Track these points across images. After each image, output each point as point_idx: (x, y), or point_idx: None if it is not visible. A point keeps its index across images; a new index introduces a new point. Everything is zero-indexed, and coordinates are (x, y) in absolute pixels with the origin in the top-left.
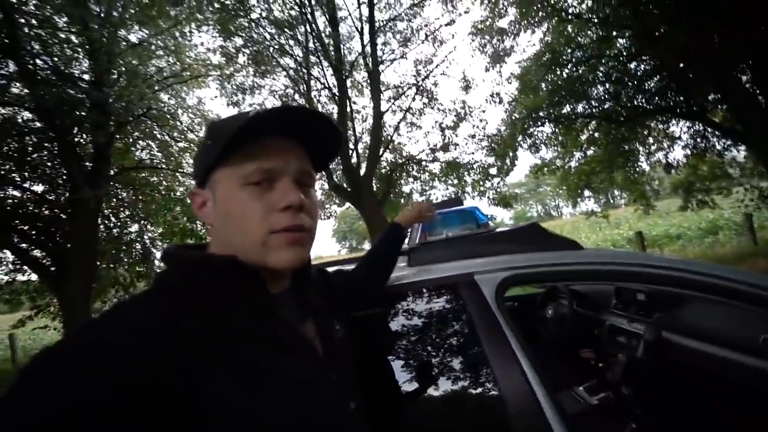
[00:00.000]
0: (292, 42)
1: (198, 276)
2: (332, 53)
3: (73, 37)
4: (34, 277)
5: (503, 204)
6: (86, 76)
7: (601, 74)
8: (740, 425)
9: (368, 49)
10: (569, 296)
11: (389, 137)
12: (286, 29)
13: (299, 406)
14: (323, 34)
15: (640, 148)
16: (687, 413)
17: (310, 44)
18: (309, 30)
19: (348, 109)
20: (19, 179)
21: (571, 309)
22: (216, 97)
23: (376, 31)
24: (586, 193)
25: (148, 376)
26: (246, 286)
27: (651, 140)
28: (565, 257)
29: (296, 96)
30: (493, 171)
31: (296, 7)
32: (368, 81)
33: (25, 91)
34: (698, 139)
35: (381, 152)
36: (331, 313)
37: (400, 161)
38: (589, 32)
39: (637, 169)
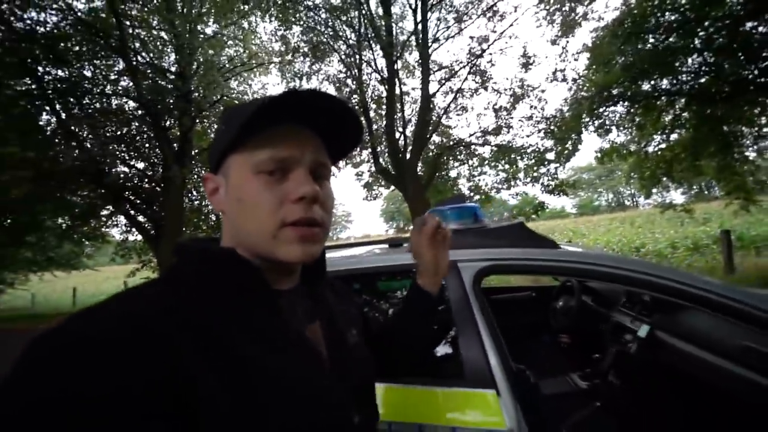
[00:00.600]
0: (345, 27)
1: (200, 270)
2: (384, 36)
3: (163, 34)
4: (140, 237)
5: (559, 191)
6: (173, 69)
7: (699, 41)
8: (708, 424)
9: (420, 28)
10: (578, 291)
11: (437, 120)
12: (338, 13)
13: (292, 413)
14: (375, 17)
15: (746, 130)
16: (662, 408)
17: (362, 29)
18: (361, 14)
19: (397, 92)
20: (127, 158)
21: (578, 303)
22: (278, 83)
23: (428, 9)
24: (669, 182)
25: (145, 377)
26: (246, 280)
27: (765, 120)
28: (538, 254)
29: (348, 81)
30: (550, 156)
31: None
32: (419, 62)
33: (130, 84)
34: None
35: (429, 136)
36: (347, 318)
37: (448, 145)
38: None
39: (737, 156)
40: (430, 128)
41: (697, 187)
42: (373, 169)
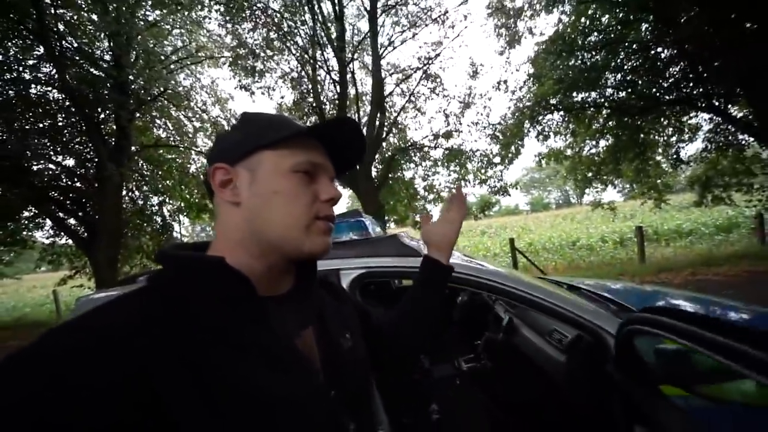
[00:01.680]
0: (299, 25)
1: (183, 279)
2: (335, 42)
3: (95, 16)
4: (70, 241)
5: (503, 192)
6: (107, 57)
7: (618, 61)
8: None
9: (370, 32)
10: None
11: (392, 121)
12: (290, 14)
13: (276, 428)
14: (327, 20)
15: (659, 139)
16: (514, 384)
17: (315, 30)
18: (314, 17)
19: (353, 93)
20: (53, 154)
21: (470, 297)
22: (229, 78)
23: (382, 13)
24: (598, 183)
25: (103, 386)
26: (232, 290)
27: (670, 131)
28: (404, 261)
29: (304, 79)
30: (496, 159)
31: None
32: (372, 62)
33: (54, 71)
34: (719, 133)
35: (383, 137)
36: (341, 318)
37: (401, 147)
38: (609, 15)
39: (650, 161)
40: (385, 129)
41: (629, 186)
42: None
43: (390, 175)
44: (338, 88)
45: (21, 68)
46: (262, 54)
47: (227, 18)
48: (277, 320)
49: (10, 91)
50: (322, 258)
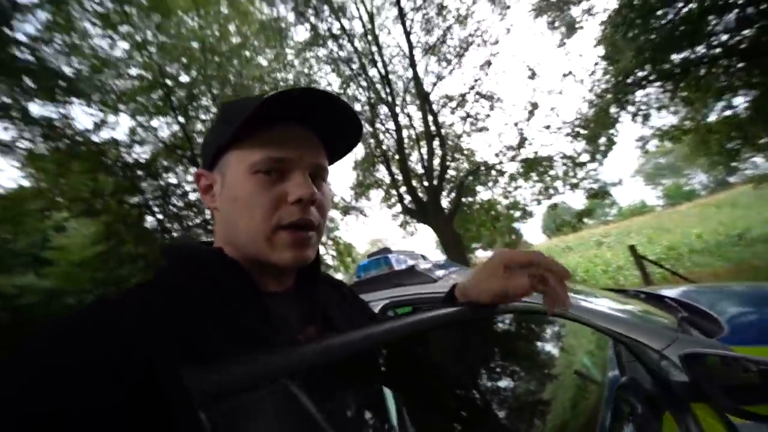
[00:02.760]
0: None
1: (183, 271)
2: (386, 96)
3: None
4: None
5: (602, 195)
6: None
7: None
8: None
9: (415, 73)
10: None
11: (453, 147)
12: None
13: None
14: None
15: None
16: None
17: (370, 93)
18: (368, 82)
19: (414, 134)
20: None
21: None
22: None
23: (415, 64)
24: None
25: (97, 367)
26: (232, 282)
27: None
28: (423, 288)
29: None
30: (584, 158)
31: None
32: (420, 103)
33: None
34: None
35: (445, 166)
36: (347, 322)
37: (468, 170)
38: None
39: None
40: (448, 158)
41: None
42: (398, 208)
43: (463, 201)
44: (395, 134)
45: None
46: None
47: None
48: (278, 315)
49: (180, 202)
50: (298, 267)
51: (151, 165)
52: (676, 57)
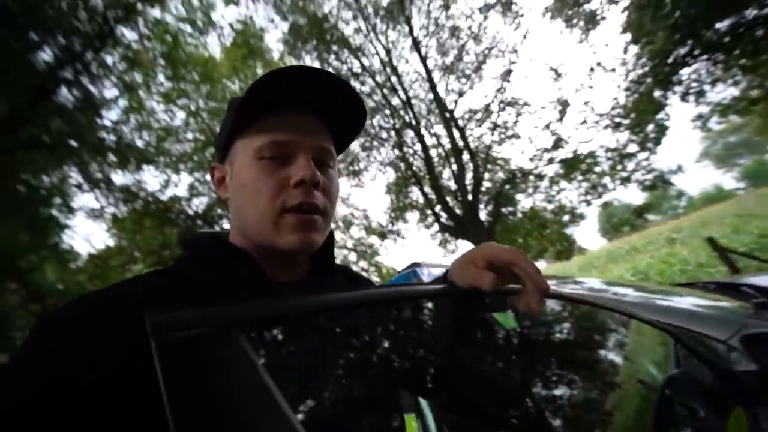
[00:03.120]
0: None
1: (193, 257)
2: (412, 121)
3: None
4: None
5: (660, 184)
6: None
7: None
8: None
9: (435, 94)
10: None
11: (484, 158)
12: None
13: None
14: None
15: None
16: None
17: (395, 120)
18: (392, 111)
19: (441, 154)
20: None
21: None
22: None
23: (435, 85)
24: None
25: (100, 344)
26: (239, 270)
27: None
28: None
29: (397, 160)
30: (631, 148)
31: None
32: (444, 121)
33: None
34: None
35: (479, 179)
36: None
37: (507, 178)
38: None
39: None
40: (481, 170)
41: None
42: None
43: (504, 211)
44: (423, 155)
45: None
46: (363, 155)
47: None
48: None
49: None
50: (304, 253)
51: (207, 214)
52: (720, 26)
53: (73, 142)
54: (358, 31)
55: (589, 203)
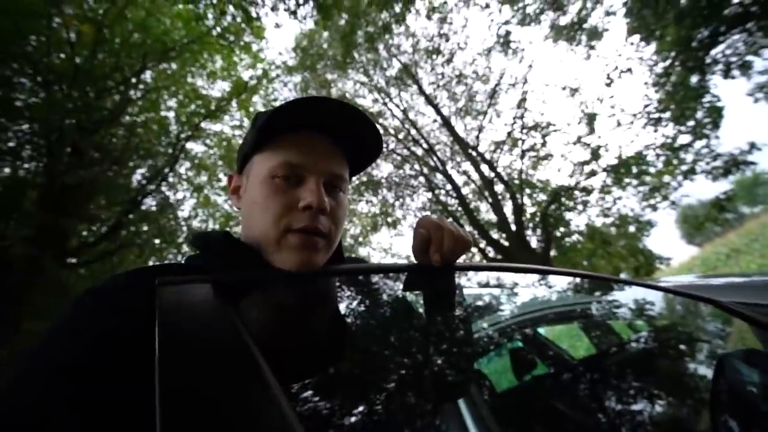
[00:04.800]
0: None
1: (203, 256)
2: (438, 165)
3: None
4: None
5: (735, 168)
6: None
7: None
8: None
9: (455, 135)
10: None
11: (518, 185)
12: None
13: None
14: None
15: None
16: None
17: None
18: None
19: (474, 189)
20: None
21: None
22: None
23: (453, 128)
24: None
25: (97, 332)
26: (249, 265)
27: None
28: None
29: (433, 205)
30: (683, 140)
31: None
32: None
33: None
34: None
35: (518, 205)
36: None
37: (551, 199)
38: None
39: None
40: (518, 197)
41: None
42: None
43: (557, 234)
44: (456, 193)
45: None
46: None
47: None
48: None
49: None
50: (303, 273)
51: None
52: None
53: (157, 241)
54: (375, 101)
55: (654, 208)
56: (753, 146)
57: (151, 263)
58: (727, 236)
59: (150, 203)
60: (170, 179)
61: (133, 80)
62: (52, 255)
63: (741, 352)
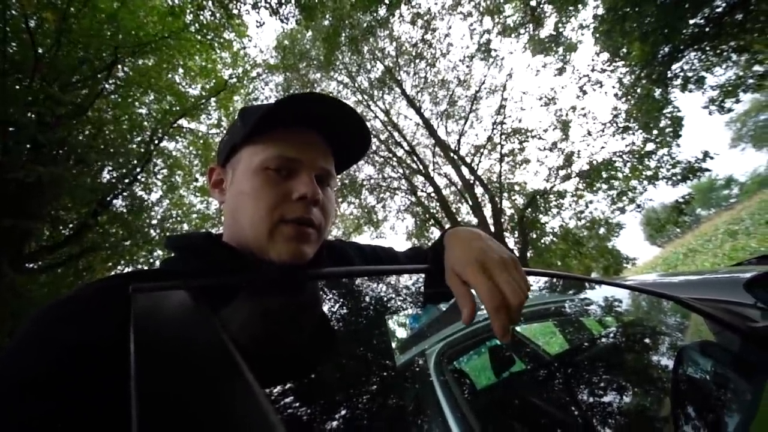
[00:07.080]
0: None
1: (181, 259)
2: (419, 167)
3: None
4: None
5: (691, 175)
6: None
7: None
8: None
9: (436, 139)
10: None
11: (497, 188)
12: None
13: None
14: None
15: None
16: None
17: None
18: (400, 163)
19: (455, 191)
20: None
21: None
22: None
23: (435, 131)
24: None
25: (69, 345)
26: (221, 262)
27: None
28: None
29: (414, 206)
30: (650, 146)
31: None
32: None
33: None
34: None
35: (496, 208)
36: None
37: (526, 202)
38: None
39: None
40: (497, 199)
41: None
42: None
43: (533, 237)
44: (437, 195)
45: None
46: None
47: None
48: None
49: None
50: (294, 264)
51: None
52: (695, 21)
53: (127, 243)
54: (359, 102)
55: (623, 210)
56: (707, 155)
57: (120, 267)
58: (685, 237)
59: (120, 204)
60: (142, 179)
61: (103, 74)
62: (8, 260)
63: (698, 343)
